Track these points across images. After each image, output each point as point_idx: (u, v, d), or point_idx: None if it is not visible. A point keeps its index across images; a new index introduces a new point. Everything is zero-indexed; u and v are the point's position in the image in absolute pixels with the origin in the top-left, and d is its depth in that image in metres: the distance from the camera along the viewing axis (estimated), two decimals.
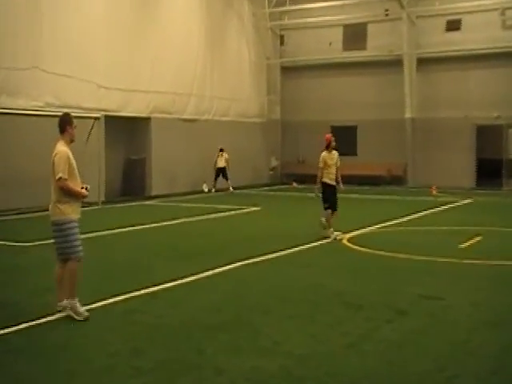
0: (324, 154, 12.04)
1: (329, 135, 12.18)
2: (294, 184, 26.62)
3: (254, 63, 27.00)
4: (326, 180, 11.97)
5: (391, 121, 26.12)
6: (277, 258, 10.12)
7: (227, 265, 9.33)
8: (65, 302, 6.49)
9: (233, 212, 16.77)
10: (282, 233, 12.84)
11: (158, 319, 6.51)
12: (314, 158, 28.20)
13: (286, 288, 7.99)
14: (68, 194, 6.46)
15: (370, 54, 26.65)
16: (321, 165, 11.92)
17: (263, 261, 9.78)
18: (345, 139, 28.09)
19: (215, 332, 6.08)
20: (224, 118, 24.95)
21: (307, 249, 10.96)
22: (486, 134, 25.47)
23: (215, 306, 7.01)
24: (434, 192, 22.81)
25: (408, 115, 25.98)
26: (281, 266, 9.40)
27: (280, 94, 28.62)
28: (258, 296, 7.55)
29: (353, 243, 11.39)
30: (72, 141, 6.64)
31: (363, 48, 26.86)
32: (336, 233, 12.03)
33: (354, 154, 27.21)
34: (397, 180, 26.25)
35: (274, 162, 28.30)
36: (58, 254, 6.61)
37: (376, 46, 26.46)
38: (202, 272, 8.80)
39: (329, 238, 11.69)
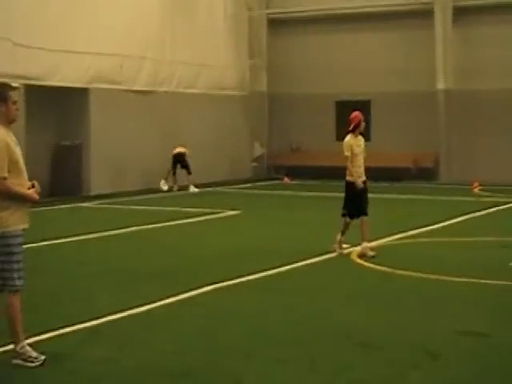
0: (349, 138, 11.83)
1: (357, 113, 12.03)
2: (286, 179, 26.67)
3: (231, 16, 26.99)
4: (349, 177, 11.82)
5: (418, 94, 26.23)
6: (262, 279, 10.10)
7: (195, 289, 9.31)
8: (18, 347, 6.46)
9: (204, 217, 16.76)
10: (270, 246, 12.83)
11: (99, 366, 6.44)
12: (312, 145, 28.71)
13: (275, 322, 7.96)
14: (8, 198, 6.37)
15: (387, 1, 26.77)
16: (348, 153, 11.72)
17: (244, 284, 9.76)
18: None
19: (179, 382, 6.03)
20: (190, 90, 24.90)
21: (303, 268, 10.94)
22: None
23: (180, 347, 6.96)
24: (477, 190, 22.95)
25: (441, 86, 26.11)
26: (267, 292, 9.38)
27: (267, 57, 28.65)
28: (238, 333, 7.51)
29: (365, 260, 11.41)
30: (11, 121, 6.57)
31: None
32: (344, 245, 12.04)
33: (367, 139, 27.01)
34: (426, 174, 26.37)
35: (259, 150, 28.31)
36: None
37: None
38: (162, 299, 8.76)
39: (334, 251, 11.67)
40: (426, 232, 14.36)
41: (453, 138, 26.15)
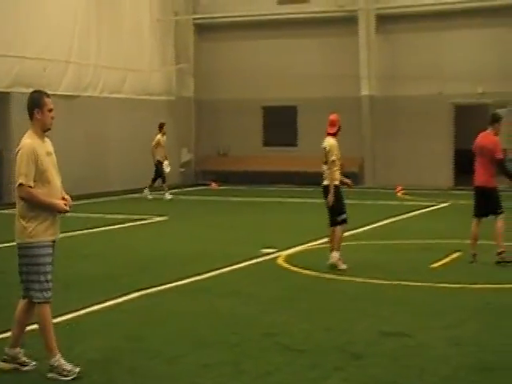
0: (334, 141, 11.31)
1: (336, 115, 11.64)
2: (213, 185, 26.63)
3: (157, 21, 26.82)
4: (335, 182, 11.24)
5: (343, 100, 26.51)
6: (189, 285, 10.07)
7: (122, 296, 9.23)
8: (52, 361, 6.30)
9: (130, 224, 16.58)
10: (197, 251, 12.79)
11: (24, 375, 6.29)
12: (239, 150, 28.70)
13: (200, 326, 7.93)
14: (36, 207, 6.21)
15: (313, 9, 27.04)
16: (335, 157, 11.18)
17: (170, 289, 9.71)
18: (281, 125, 28.55)
19: None
20: (116, 95, 24.63)
21: (230, 272, 10.95)
22: (467, 117, 26.29)
23: (103, 354, 6.88)
24: (400, 193, 23.35)
25: (365, 92, 26.50)
26: (194, 297, 9.35)
27: (194, 62, 28.58)
28: (164, 337, 7.46)
29: (292, 263, 11.45)
30: (46, 129, 6.41)
31: (305, 1, 27.23)
32: (264, 250, 12.01)
33: (293, 144, 27.54)
34: (351, 178, 26.52)
35: (186, 156, 28.20)
36: (23, 290, 6.42)
37: None
38: (88, 307, 8.66)
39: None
40: (352, 235, 14.49)
41: (377, 143, 26.57)
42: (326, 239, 13.87)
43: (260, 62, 27.75)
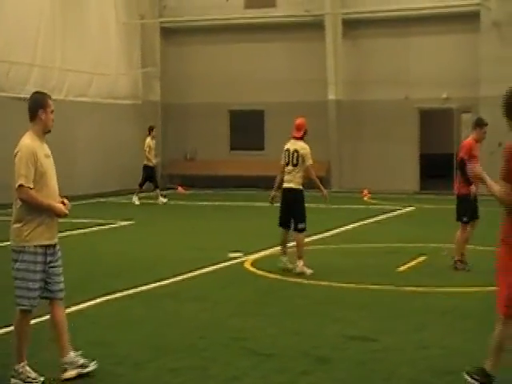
0: (307, 146, 11.33)
1: (302, 119, 11.67)
2: (180, 189, 26.56)
3: (123, 24, 26.71)
4: (300, 187, 11.29)
5: (310, 104, 26.64)
6: (155, 289, 10.03)
7: (87, 301, 9.18)
8: (17, 367, 6.24)
9: (95, 228, 16.47)
10: (163, 256, 12.75)
11: None
12: (206, 154, 28.67)
13: (167, 331, 7.90)
14: (33, 210, 6.13)
15: (280, 13, 27.13)
16: (311, 161, 11.30)
17: (136, 295, 9.68)
18: (248, 129, 28.59)
19: None
20: (81, 99, 24.47)
21: (196, 277, 10.93)
22: (433, 122, 26.59)
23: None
24: (366, 198, 23.50)
25: (331, 96, 26.64)
26: (160, 302, 9.32)
27: (160, 66, 28.50)
28: (130, 343, 7.43)
29: (258, 268, 11.48)
30: (47, 131, 6.36)
31: (272, 5, 27.31)
32: (231, 254, 12.02)
33: (261, 148, 27.57)
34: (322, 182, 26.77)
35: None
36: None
37: (289, 2, 26.97)
38: (49, 313, 8.52)
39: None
40: (319, 240, 14.57)
41: (343, 147, 26.72)
42: (292, 243, 13.95)
43: (227, 66, 27.76)
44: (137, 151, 27.03)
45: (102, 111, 25.15)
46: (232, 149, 28.26)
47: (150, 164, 22.10)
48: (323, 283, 10.38)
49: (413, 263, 11.89)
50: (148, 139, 22.17)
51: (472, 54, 24.92)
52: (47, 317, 8.13)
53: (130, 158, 26.35)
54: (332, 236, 15.23)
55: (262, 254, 12.87)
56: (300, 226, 11.26)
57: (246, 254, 12.60)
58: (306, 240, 14.30)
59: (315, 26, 26.60)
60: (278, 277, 10.82)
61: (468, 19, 25.09)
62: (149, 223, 17.93)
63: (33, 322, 6.68)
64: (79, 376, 6.35)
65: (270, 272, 11.11)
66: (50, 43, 23.12)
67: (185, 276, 10.91)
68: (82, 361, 6.37)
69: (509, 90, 5.86)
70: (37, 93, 6.58)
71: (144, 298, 9.55)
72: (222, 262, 11.91)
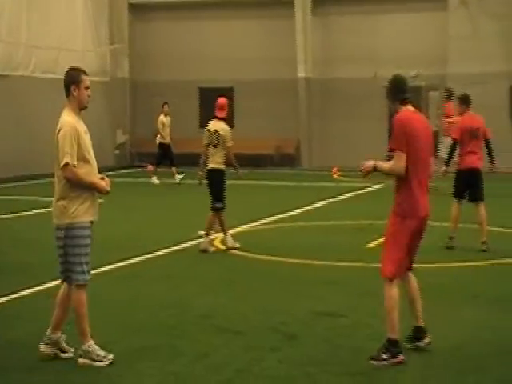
0: (227, 127, 11.41)
1: (224, 99, 11.67)
2: (150, 167, 26.42)
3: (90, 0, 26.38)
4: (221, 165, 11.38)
5: (280, 81, 26.65)
6: (124, 268, 10.03)
7: (51, 281, 9.06)
8: (85, 346, 6.23)
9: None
10: (133, 234, 12.75)
11: None
12: (176, 132, 28.40)
13: (136, 310, 7.92)
14: (77, 187, 6.14)
15: None
16: (232, 142, 11.36)
17: (103, 274, 9.65)
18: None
19: (34, 375, 5.96)
20: (48, 75, 24.11)
21: (166, 255, 10.95)
22: None
23: (32, 341, 6.76)
24: (336, 175, 23.61)
25: (301, 74, 26.64)
26: (127, 281, 9.33)
27: (128, 42, 28.25)
28: (97, 322, 7.37)
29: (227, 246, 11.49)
30: (83, 107, 6.34)
31: None
32: (201, 232, 12.04)
33: (231, 125, 27.19)
34: (288, 160, 26.90)
35: (121, 138, 27.92)
36: (61, 273, 6.34)
37: None
38: (15, 292, 8.58)
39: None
40: (288, 217, 14.65)
41: (313, 125, 26.78)
42: (263, 221, 14.03)
43: (196, 43, 27.59)
44: (106, 128, 26.90)
45: None
46: (202, 126, 28.06)
47: (165, 141, 21.69)
48: (292, 260, 10.45)
49: (381, 240, 11.97)
50: (161, 116, 21.82)
51: (440, 32, 25.04)
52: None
53: (99, 135, 26.11)
54: (301, 213, 15.31)
55: (233, 231, 12.89)
56: (216, 205, 11.30)
57: (216, 231, 12.60)
58: (276, 218, 14.43)
59: (285, 4, 26.52)
60: (248, 254, 10.87)
61: None
62: (119, 202, 17.78)
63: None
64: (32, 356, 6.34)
65: (239, 250, 11.15)
66: (15, 18, 22.75)
67: (153, 254, 10.91)
68: (63, 344, 6.38)
69: (393, 77, 6.56)
70: (71, 68, 6.52)
71: (111, 278, 9.52)
72: (193, 241, 11.91)
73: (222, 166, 11.35)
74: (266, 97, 27.02)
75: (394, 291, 6.35)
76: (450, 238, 11.38)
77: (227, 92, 27.46)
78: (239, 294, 8.64)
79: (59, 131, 6.18)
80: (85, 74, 6.41)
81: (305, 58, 26.50)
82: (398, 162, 6.30)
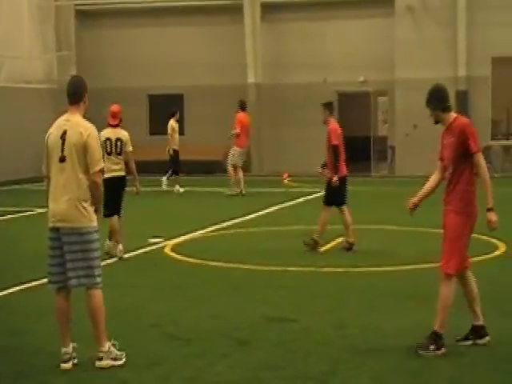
0: (127, 133, 11.39)
1: (118, 106, 11.65)
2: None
3: (36, 6, 26.09)
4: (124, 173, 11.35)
5: (229, 87, 26.65)
6: None
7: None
8: (106, 347, 6.26)
9: (9, 216, 16.10)
10: None
11: None
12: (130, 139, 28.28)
13: (83, 320, 7.73)
14: (94, 192, 6.28)
15: None
16: (132, 148, 11.33)
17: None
18: (167, 113, 28.24)
19: None
20: None
21: (115, 263, 10.85)
22: (350, 104, 26.97)
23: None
24: (286, 181, 23.68)
25: (251, 80, 26.70)
26: (76, 290, 9.03)
27: (76, 49, 27.96)
28: (46, 332, 7.33)
29: (178, 253, 11.45)
30: (85, 114, 6.43)
31: None
32: (152, 240, 11.90)
33: (180, 132, 27.31)
34: (247, 166, 26.81)
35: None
36: (58, 281, 6.30)
37: None
38: None
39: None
40: (238, 223, 14.62)
41: (263, 131, 26.82)
42: (213, 227, 13.98)
43: (145, 50, 27.46)
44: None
45: (15, 96, 24.48)
46: (151, 133, 28.02)
47: (176, 148, 21.19)
48: (244, 266, 10.41)
49: (332, 244, 12.06)
50: (171, 121, 21.34)
51: (387, 37, 25.35)
52: None
53: (44, 143, 25.78)
54: (252, 219, 15.29)
55: (183, 238, 12.83)
56: (122, 211, 11.37)
57: (167, 239, 12.53)
58: (226, 224, 14.39)
59: (234, 10, 26.58)
60: (199, 261, 10.81)
61: (383, 4, 25.54)
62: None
63: None
64: None
65: (190, 257, 11.08)
66: None
67: (103, 263, 10.71)
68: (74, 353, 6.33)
69: (435, 85, 6.72)
70: (78, 77, 6.57)
71: None
72: (142, 248, 11.81)
73: (122, 173, 11.26)
74: (215, 103, 26.99)
75: (452, 288, 6.49)
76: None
77: (176, 98, 27.48)
78: (190, 301, 8.57)
79: (88, 135, 6.20)
80: None
81: (254, 64, 26.58)
82: (483, 162, 6.52)
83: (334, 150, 11.45)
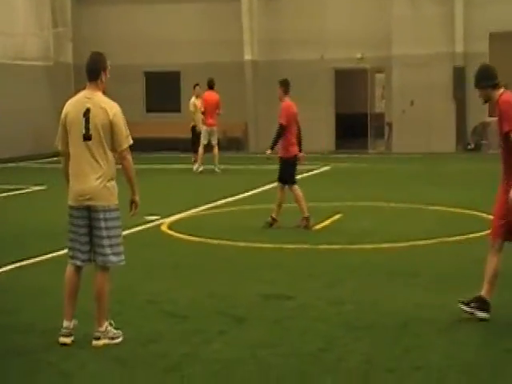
0: None
1: None
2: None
3: None
4: None
5: (226, 65, 26.53)
6: (64, 257, 9.83)
7: None
8: (104, 327, 6.25)
9: (5, 194, 16.08)
10: None
11: None
12: (126, 117, 28.27)
13: (78, 297, 7.76)
14: (126, 170, 6.31)
15: None
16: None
17: (45, 261, 9.54)
18: (164, 90, 28.27)
19: None
20: None
21: None
22: (348, 81, 26.88)
23: None
24: None
25: (248, 57, 26.57)
26: None
27: (72, 26, 27.79)
28: (38, 311, 7.35)
29: (175, 230, 11.46)
30: (104, 92, 6.39)
31: None
32: (148, 217, 11.88)
33: (177, 110, 27.32)
34: (235, 144, 26.83)
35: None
36: (97, 256, 6.31)
37: None
38: None
39: None
40: (235, 201, 14.63)
41: (260, 108, 26.74)
42: (209, 205, 13.99)
43: (141, 27, 27.29)
44: (49, 114, 26.39)
45: (11, 73, 24.36)
46: (148, 111, 27.95)
47: (197, 126, 20.70)
48: (240, 244, 10.44)
49: (328, 222, 12.08)
50: (192, 98, 21.03)
51: (385, 14, 25.19)
52: None
53: (42, 122, 25.74)
54: (248, 197, 15.31)
55: (179, 216, 12.84)
56: None
57: (163, 216, 12.54)
58: (223, 201, 14.39)
59: None
60: (195, 239, 10.82)
61: None
62: (62, 188, 17.58)
63: None
64: None
65: (186, 234, 11.10)
66: None
67: None
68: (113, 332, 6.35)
69: (481, 65, 6.88)
70: (99, 53, 6.52)
71: (53, 266, 9.26)
72: (138, 226, 11.80)
73: None
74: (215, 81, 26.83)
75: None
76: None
77: (173, 76, 27.38)
78: (186, 279, 8.60)
79: (114, 115, 6.24)
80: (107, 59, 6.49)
81: (251, 41, 26.45)
82: None
83: (279, 127, 11.58)
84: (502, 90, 6.69)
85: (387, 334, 6.50)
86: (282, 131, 11.50)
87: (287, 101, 11.77)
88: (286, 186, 11.69)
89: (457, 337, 6.40)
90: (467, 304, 6.70)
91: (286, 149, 11.53)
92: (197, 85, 21.21)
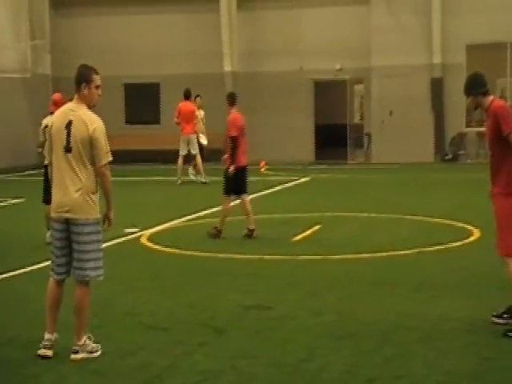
0: None
1: (59, 95, 11.65)
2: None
3: None
4: None
5: (206, 76, 26.55)
6: (46, 269, 9.72)
7: None
8: (82, 341, 6.20)
9: None
10: None
11: None
12: (106, 128, 28.20)
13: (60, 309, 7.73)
14: (103, 184, 6.27)
15: None
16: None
17: (25, 274, 9.49)
18: (143, 102, 28.22)
19: None
20: None
21: None
22: (327, 92, 26.98)
23: None
24: (263, 169, 23.67)
25: (227, 68, 26.62)
26: (47, 282, 9.07)
27: (50, 38, 27.71)
28: (18, 324, 7.28)
29: (154, 242, 11.41)
30: (91, 106, 6.33)
31: None
32: (127, 230, 11.82)
33: (157, 122, 27.32)
34: (215, 155, 26.71)
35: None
36: (64, 272, 6.31)
37: None
38: None
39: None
40: (214, 213, 14.56)
41: None
42: (189, 217, 13.94)
43: (120, 39, 27.28)
44: (26, 126, 26.27)
45: None
46: (127, 122, 27.89)
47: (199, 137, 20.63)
48: (219, 255, 10.41)
49: (308, 232, 12.08)
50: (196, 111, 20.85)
51: (363, 25, 25.36)
52: None
53: (20, 133, 25.61)
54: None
55: (159, 228, 12.79)
56: None
57: (143, 229, 12.49)
58: (202, 213, 14.35)
59: None
60: (175, 250, 10.78)
61: None
62: (40, 200, 17.46)
63: None
64: None
65: (166, 246, 11.06)
66: None
67: None
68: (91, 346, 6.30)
69: (472, 73, 6.93)
70: (83, 66, 6.48)
71: (34, 278, 9.25)
72: (118, 238, 11.74)
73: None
74: (192, 92, 26.84)
75: None
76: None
77: (153, 87, 27.35)
78: (165, 290, 8.55)
79: (94, 129, 6.16)
80: (96, 73, 6.42)
81: (230, 52, 26.51)
82: None
83: (231, 141, 11.63)
84: (491, 97, 6.79)
85: (368, 344, 6.48)
86: (235, 143, 11.59)
87: (234, 113, 11.84)
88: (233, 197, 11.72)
89: (438, 345, 6.40)
90: (500, 316, 6.73)
91: (235, 159, 11.59)
92: (198, 96, 21.30)
